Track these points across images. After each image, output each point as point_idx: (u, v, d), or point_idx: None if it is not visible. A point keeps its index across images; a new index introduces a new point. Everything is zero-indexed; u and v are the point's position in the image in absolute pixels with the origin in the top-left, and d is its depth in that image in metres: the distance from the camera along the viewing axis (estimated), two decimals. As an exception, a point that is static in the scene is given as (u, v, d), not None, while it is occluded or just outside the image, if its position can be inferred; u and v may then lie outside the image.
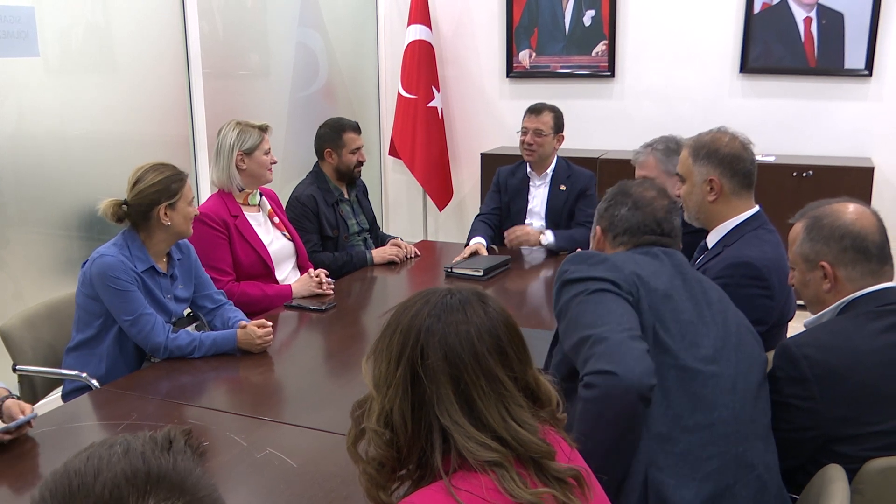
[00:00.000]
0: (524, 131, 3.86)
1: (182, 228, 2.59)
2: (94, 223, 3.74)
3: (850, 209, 1.85)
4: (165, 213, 2.53)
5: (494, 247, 3.81)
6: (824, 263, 1.84)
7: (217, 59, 4.46)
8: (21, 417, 1.94)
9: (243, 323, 2.60)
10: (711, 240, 2.46)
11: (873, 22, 4.65)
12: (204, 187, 4.35)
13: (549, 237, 3.71)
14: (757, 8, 4.88)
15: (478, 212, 4.14)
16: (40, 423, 2.05)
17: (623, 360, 1.51)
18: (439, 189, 5.79)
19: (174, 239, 2.63)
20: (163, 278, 2.63)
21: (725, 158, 2.41)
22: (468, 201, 5.92)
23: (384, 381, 1.24)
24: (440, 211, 5.88)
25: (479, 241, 3.74)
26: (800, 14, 4.81)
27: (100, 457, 0.77)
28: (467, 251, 3.62)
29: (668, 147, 3.07)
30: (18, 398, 2.21)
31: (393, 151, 5.78)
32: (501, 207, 4.02)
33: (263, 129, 3.12)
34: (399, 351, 1.23)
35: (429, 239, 5.90)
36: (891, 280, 1.88)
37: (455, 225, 5.95)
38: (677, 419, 1.62)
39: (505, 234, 3.81)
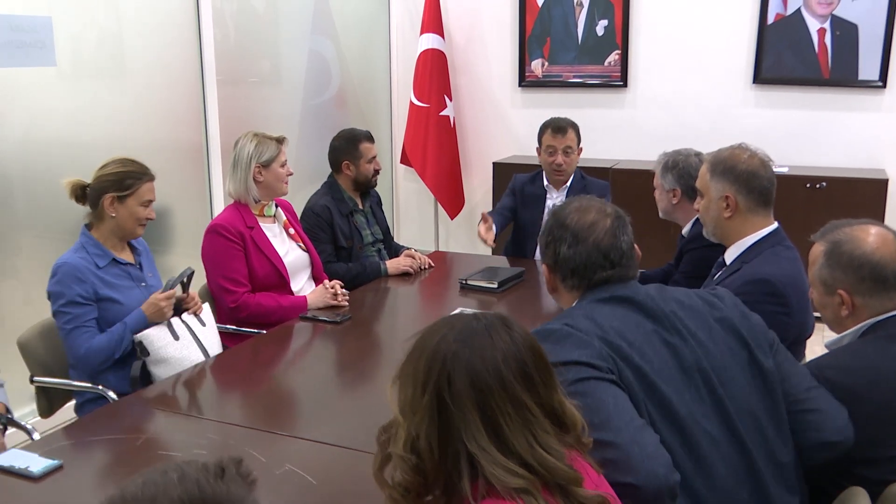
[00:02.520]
0: (550, 151, 3.85)
1: (127, 226, 2.61)
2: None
3: (872, 236, 1.83)
4: (112, 204, 2.57)
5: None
6: (842, 291, 1.83)
7: (230, 66, 4.48)
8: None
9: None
10: (730, 256, 2.45)
11: (888, 33, 4.64)
12: (217, 193, 4.36)
13: None
14: (770, 18, 4.88)
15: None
16: (60, 439, 2.06)
17: (640, 464, 1.42)
18: (451, 198, 5.80)
19: (122, 235, 2.65)
20: (131, 267, 2.68)
21: (742, 175, 2.40)
22: (480, 210, 5.88)
23: (410, 407, 1.25)
24: (451, 220, 5.88)
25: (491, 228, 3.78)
26: (814, 25, 4.80)
27: (155, 483, 0.78)
28: (483, 226, 3.71)
29: (666, 164, 3.08)
30: (11, 418, 2.24)
31: (405, 160, 5.79)
32: (515, 209, 4.03)
33: (280, 142, 3.13)
34: (425, 377, 1.23)
35: (440, 248, 5.91)
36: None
37: (466, 234, 5.95)
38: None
39: None
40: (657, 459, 1.43)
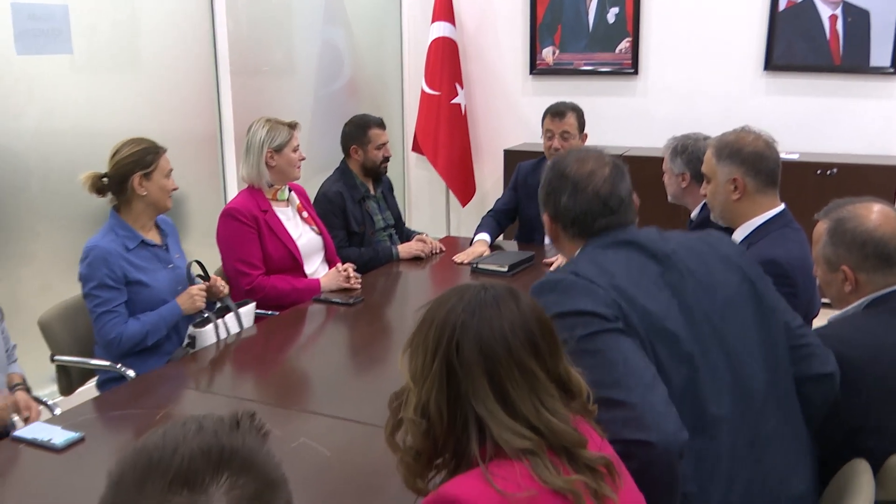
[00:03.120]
0: (549, 135, 3.80)
1: (158, 198, 2.68)
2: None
3: (874, 213, 1.86)
4: (140, 183, 2.62)
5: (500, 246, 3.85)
6: (845, 268, 1.86)
7: (243, 55, 4.52)
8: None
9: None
10: (737, 237, 2.48)
11: (900, 19, 4.64)
12: (231, 182, 4.41)
13: None
14: (782, 5, 4.88)
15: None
16: (82, 412, 2.12)
17: (654, 423, 1.43)
18: (462, 185, 5.83)
19: (154, 211, 2.71)
20: (159, 249, 2.73)
21: (749, 157, 2.43)
22: (491, 197, 5.92)
23: (421, 373, 1.29)
24: (463, 207, 5.92)
25: (482, 239, 3.78)
26: (825, 11, 4.80)
27: (175, 434, 0.82)
28: (471, 251, 3.65)
29: (675, 148, 3.11)
30: (29, 390, 2.31)
31: (416, 147, 5.82)
32: (516, 207, 4.01)
33: (293, 127, 3.17)
34: (435, 345, 1.27)
35: (451, 234, 5.94)
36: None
37: (477, 220, 5.92)
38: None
39: (549, 267, 3.46)
40: (668, 417, 1.45)
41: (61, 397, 2.77)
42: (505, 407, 1.22)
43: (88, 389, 2.81)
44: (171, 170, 2.71)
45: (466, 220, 6.06)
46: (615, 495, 1.22)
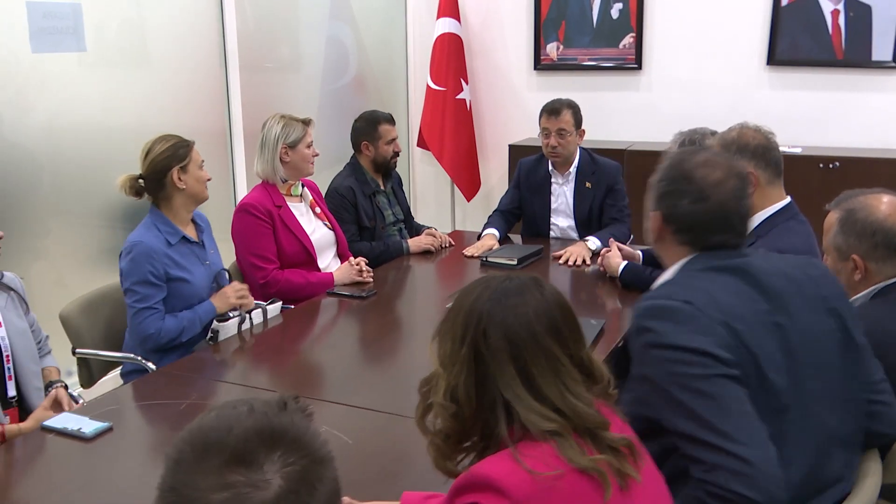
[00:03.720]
0: (545, 133, 3.80)
1: (197, 190, 2.74)
2: (130, 213, 3.85)
3: (884, 204, 1.91)
4: (179, 178, 2.68)
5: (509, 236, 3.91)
6: (855, 257, 1.91)
7: (250, 52, 4.56)
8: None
9: None
10: (746, 226, 2.52)
11: (901, 14, 4.68)
12: (241, 178, 4.45)
13: (594, 242, 3.61)
14: (785, 1, 4.92)
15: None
16: (108, 403, 2.18)
17: (766, 485, 1.40)
18: (467, 180, 5.88)
19: (193, 203, 2.77)
20: (196, 247, 2.78)
21: (757, 150, 2.48)
22: (496, 192, 5.99)
23: (450, 359, 1.34)
24: (468, 201, 5.97)
25: (491, 233, 3.81)
26: (827, 6, 4.84)
27: (228, 416, 0.88)
28: (480, 244, 3.70)
29: (683, 143, 3.14)
30: (66, 386, 2.36)
31: (421, 143, 5.87)
32: (521, 205, 4.04)
33: (307, 123, 3.23)
34: (463, 332, 1.33)
35: (457, 229, 5.99)
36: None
37: (482, 215, 5.96)
38: None
39: (558, 260, 3.54)
40: (779, 483, 1.41)
41: (81, 389, 2.83)
42: (531, 391, 1.27)
43: (108, 381, 2.87)
44: (203, 161, 2.76)
45: (472, 214, 6.11)
46: (637, 475, 1.28)
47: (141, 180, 2.69)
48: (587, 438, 1.26)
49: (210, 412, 0.91)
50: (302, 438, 0.88)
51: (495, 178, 6.00)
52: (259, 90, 4.65)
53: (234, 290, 2.77)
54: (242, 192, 4.43)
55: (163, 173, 2.66)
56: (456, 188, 5.96)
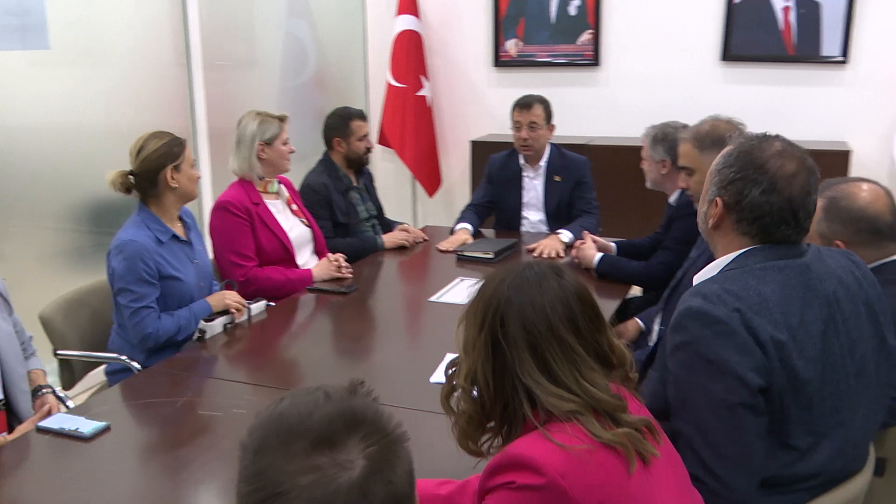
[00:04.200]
0: (517, 126, 3.87)
1: (189, 189, 2.72)
2: (93, 215, 3.80)
3: (864, 192, 2.01)
4: (172, 176, 2.65)
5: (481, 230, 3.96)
6: (839, 242, 2.00)
7: (211, 49, 4.51)
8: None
9: None
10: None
11: (848, 10, 4.84)
12: (205, 176, 4.40)
13: (567, 235, 3.69)
14: (737, -2, 5.07)
15: (468, 198, 4.25)
16: (102, 403, 2.16)
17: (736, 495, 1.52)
18: (429, 176, 5.91)
19: (183, 201, 2.76)
20: (185, 245, 2.76)
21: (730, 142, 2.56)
22: (457, 188, 6.04)
23: (470, 344, 1.39)
24: (430, 197, 6.00)
25: (464, 227, 3.87)
26: (779, 3, 4.99)
27: (306, 401, 0.90)
28: (454, 238, 3.74)
29: (655, 136, 3.21)
30: (54, 390, 2.34)
31: (382, 140, 5.87)
32: (493, 199, 4.09)
33: (283, 120, 3.22)
34: (482, 319, 1.38)
35: (417, 225, 6.01)
36: (898, 252, 2.05)
37: (444, 211, 6.07)
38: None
39: (532, 253, 3.56)
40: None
41: (61, 391, 2.77)
42: (548, 377, 1.32)
43: (90, 382, 2.82)
44: (194, 160, 2.76)
45: (433, 210, 6.15)
46: (657, 452, 1.33)
47: (131, 177, 2.64)
48: (606, 418, 1.31)
49: (283, 400, 0.93)
50: (379, 420, 0.91)
51: (456, 174, 6.04)
52: (220, 88, 4.61)
53: (233, 299, 2.75)
54: (207, 190, 4.39)
55: (156, 171, 2.63)
56: (417, 184, 5.98)
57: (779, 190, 1.60)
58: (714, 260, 1.72)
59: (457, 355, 1.44)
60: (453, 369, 1.44)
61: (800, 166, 1.62)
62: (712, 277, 1.65)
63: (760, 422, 1.53)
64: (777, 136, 1.68)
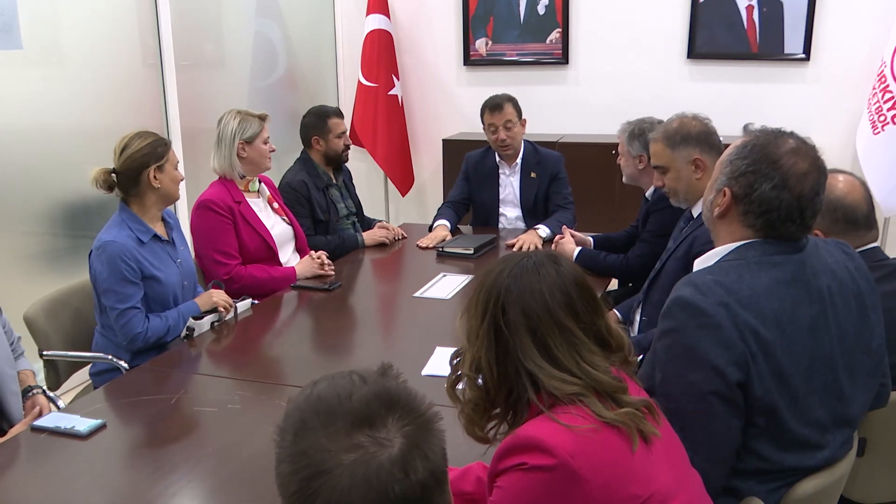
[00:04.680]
0: (492, 129, 3.90)
1: (171, 190, 2.72)
2: (68, 216, 3.77)
3: (841, 183, 2.08)
4: (155, 176, 2.66)
5: (459, 227, 4.01)
6: (818, 231, 2.07)
7: (182, 49, 4.48)
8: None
9: None
10: (697, 209, 2.66)
11: (810, 9, 4.98)
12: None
13: (544, 230, 3.73)
14: (702, -4, 5.18)
15: (441, 197, 4.28)
16: (95, 401, 2.16)
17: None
18: (401, 175, 5.94)
19: (164, 202, 2.76)
20: (167, 245, 2.76)
21: (700, 136, 2.64)
22: (429, 186, 6.08)
23: (473, 334, 1.43)
24: (402, 196, 6.03)
25: (442, 223, 3.91)
26: (742, 2, 5.11)
27: (344, 384, 0.94)
28: (433, 235, 3.79)
29: (632, 132, 3.28)
30: (44, 390, 2.34)
31: (354, 139, 5.87)
32: (470, 196, 4.14)
33: (263, 119, 3.23)
34: (483, 308, 1.42)
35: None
36: (875, 241, 2.13)
37: (416, 209, 6.11)
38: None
39: (511, 248, 3.60)
40: (717, 492, 1.58)
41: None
42: (550, 361, 1.36)
43: (76, 382, 2.82)
44: (178, 161, 2.75)
45: (405, 208, 6.18)
46: (657, 431, 1.38)
47: (114, 175, 2.64)
48: (608, 400, 1.36)
49: (317, 383, 0.96)
50: (413, 400, 0.94)
51: (428, 172, 6.07)
52: (192, 88, 4.59)
53: (221, 298, 2.76)
54: (182, 191, 4.37)
55: (138, 171, 2.63)
56: (390, 183, 6.01)
57: (790, 187, 1.61)
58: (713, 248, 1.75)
59: (457, 347, 1.48)
60: (458, 359, 1.48)
61: (812, 165, 1.63)
62: (708, 267, 1.68)
63: (734, 412, 1.57)
64: (791, 133, 1.69)
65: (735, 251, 1.68)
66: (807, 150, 1.66)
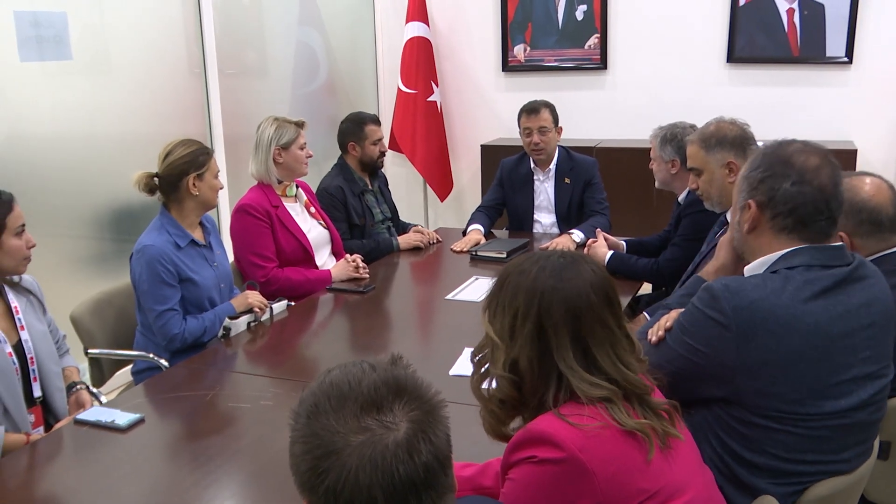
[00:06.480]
0: (527, 132, 3.96)
1: (209, 197, 2.82)
2: (113, 221, 3.90)
3: (867, 185, 2.08)
4: (194, 184, 2.75)
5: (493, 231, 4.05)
6: (842, 234, 2.07)
7: (226, 58, 4.60)
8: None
9: None
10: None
11: (852, 11, 4.93)
12: (223, 182, 4.48)
13: (578, 235, 3.77)
14: (742, 0, 5.14)
15: (479, 202, 4.33)
16: (135, 397, 2.25)
17: None
18: (440, 180, 6.00)
19: (202, 209, 2.85)
20: (204, 249, 2.85)
21: (735, 141, 2.64)
22: (467, 192, 6.14)
23: (509, 333, 1.43)
24: (441, 202, 6.09)
25: (476, 228, 3.96)
26: (783, 5, 5.07)
27: (354, 371, 1.00)
28: (467, 239, 3.84)
29: (664, 137, 3.28)
30: (88, 386, 2.43)
31: (393, 145, 5.96)
32: (504, 201, 4.19)
33: (300, 125, 3.32)
34: (526, 309, 1.41)
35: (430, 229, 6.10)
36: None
37: (454, 215, 6.16)
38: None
39: None
40: None
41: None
42: (584, 363, 1.38)
43: (119, 379, 2.92)
44: (219, 171, 2.85)
45: (444, 214, 6.24)
46: (679, 434, 1.41)
47: (156, 178, 2.74)
48: (635, 404, 1.38)
49: (332, 371, 1.02)
50: (420, 388, 1.00)
51: (467, 178, 6.13)
52: (234, 96, 4.71)
53: (256, 299, 2.85)
54: (224, 194, 4.47)
55: (179, 177, 2.73)
56: (429, 188, 6.07)
57: (808, 180, 1.64)
58: None
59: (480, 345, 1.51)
60: (482, 356, 1.49)
61: (823, 160, 1.67)
62: (756, 274, 1.69)
63: (697, 368, 1.65)
64: (794, 139, 1.74)
65: (783, 258, 1.67)
66: (814, 148, 1.70)
